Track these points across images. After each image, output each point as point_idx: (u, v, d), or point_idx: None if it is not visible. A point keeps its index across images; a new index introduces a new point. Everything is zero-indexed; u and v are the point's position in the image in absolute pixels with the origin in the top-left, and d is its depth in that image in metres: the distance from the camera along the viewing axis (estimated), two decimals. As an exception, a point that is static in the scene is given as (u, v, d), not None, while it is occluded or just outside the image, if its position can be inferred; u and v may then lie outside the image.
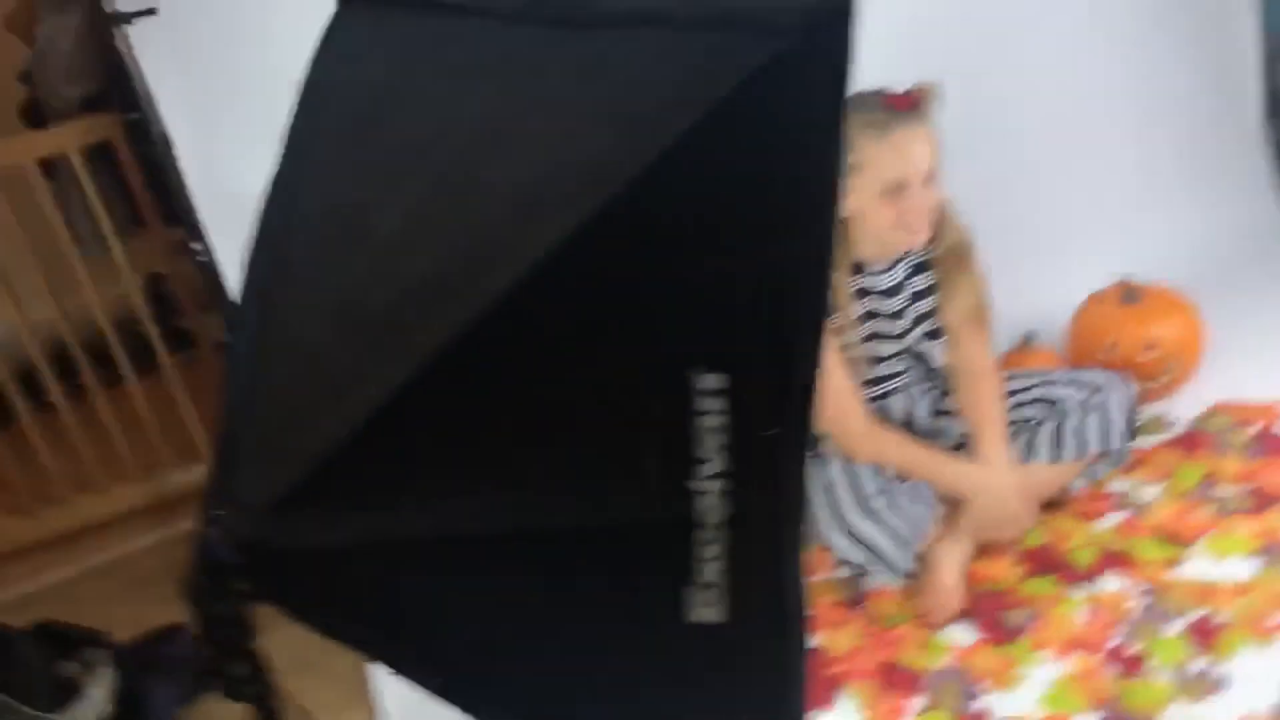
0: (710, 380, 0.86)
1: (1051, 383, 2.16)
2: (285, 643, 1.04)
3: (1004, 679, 1.84)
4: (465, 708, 0.98)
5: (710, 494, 0.89)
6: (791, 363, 0.91)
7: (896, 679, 1.88)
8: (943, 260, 2.07)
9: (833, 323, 1.99)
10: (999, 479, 2.01)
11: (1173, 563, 1.98)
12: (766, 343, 0.91)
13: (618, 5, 0.90)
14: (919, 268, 2.08)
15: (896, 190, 1.87)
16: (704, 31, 0.85)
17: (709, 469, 0.88)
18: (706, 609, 0.93)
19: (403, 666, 0.97)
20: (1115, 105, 2.76)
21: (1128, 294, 2.37)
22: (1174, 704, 1.74)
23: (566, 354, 0.91)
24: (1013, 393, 2.16)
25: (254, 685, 0.97)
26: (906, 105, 1.87)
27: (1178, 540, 2.02)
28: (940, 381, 2.23)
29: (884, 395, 2.14)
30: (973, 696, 1.82)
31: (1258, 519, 2.03)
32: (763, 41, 0.81)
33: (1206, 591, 1.91)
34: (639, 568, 0.95)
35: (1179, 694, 1.75)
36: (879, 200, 1.88)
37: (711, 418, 0.87)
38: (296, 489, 0.86)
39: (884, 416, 2.14)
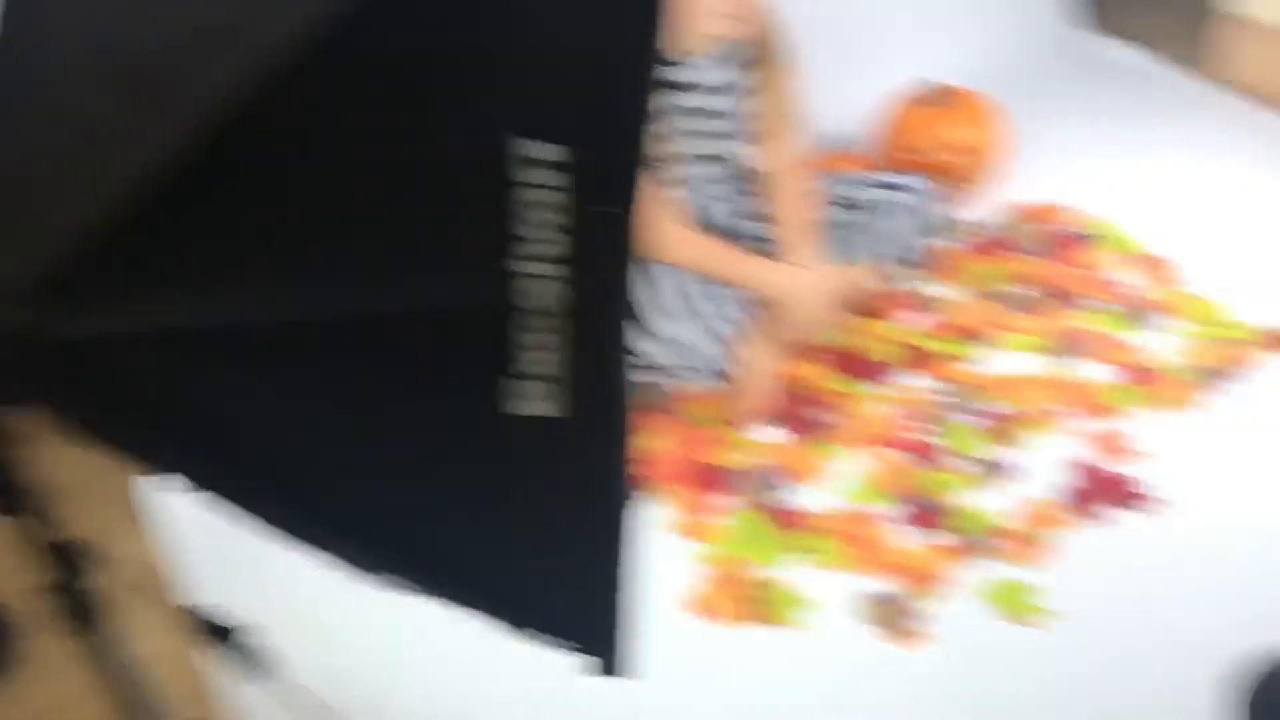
0: (538, 150, 0.76)
1: (860, 184, 2.14)
2: (55, 465, 0.91)
3: (813, 475, 1.87)
4: (265, 517, 0.88)
5: (541, 277, 0.80)
6: (629, 138, 0.82)
7: (709, 478, 1.88)
8: (755, 59, 1.99)
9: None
10: (807, 280, 2.00)
11: (969, 359, 2.04)
12: (598, 111, 0.81)
13: None
14: (730, 62, 1.99)
15: None
16: None
17: (540, 249, 0.79)
18: (542, 402, 0.85)
19: (186, 469, 0.85)
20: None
21: (936, 96, 2.36)
22: (968, 490, 1.82)
23: (373, 114, 0.78)
24: (822, 194, 2.13)
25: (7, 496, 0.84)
26: None
27: (974, 337, 2.08)
28: (748, 183, 2.18)
29: (690, 196, 2.07)
30: (784, 491, 1.85)
31: (1049, 316, 2.11)
32: None
33: (1000, 385, 1.98)
34: (459, 360, 0.86)
35: (973, 481, 1.83)
36: None
37: (542, 192, 0.77)
38: (57, 271, 0.72)
39: (693, 218, 2.08)
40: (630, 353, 0.92)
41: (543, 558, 1.00)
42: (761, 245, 2.10)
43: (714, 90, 1.98)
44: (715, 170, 2.11)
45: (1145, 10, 2.95)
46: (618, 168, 0.85)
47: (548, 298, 0.84)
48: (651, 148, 0.85)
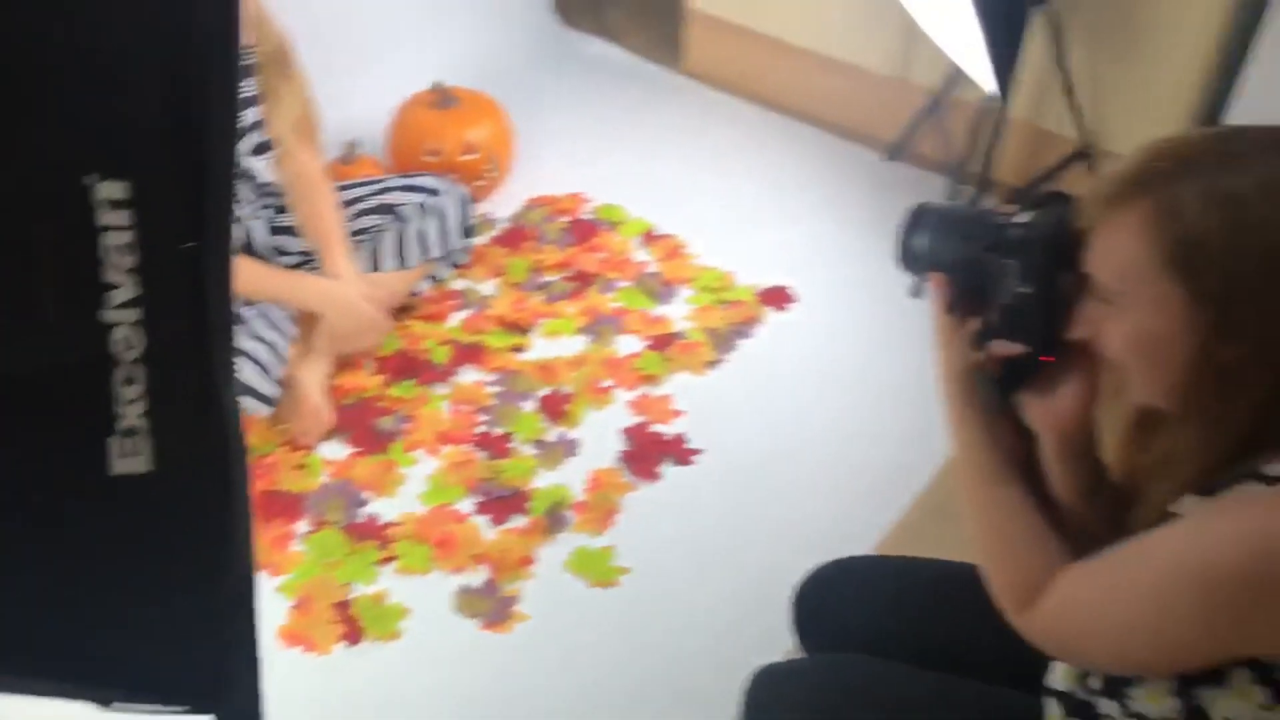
0: (110, 189, 0.71)
1: (387, 189, 2.16)
2: None
3: (385, 484, 1.87)
4: None
5: (124, 325, 0.75)
6: (204, 165, 0.79)
7: (278, 505, 1.82)
8: (264, 67, 1.94)
9: None
10: (348, 290, 1.98)
11: (518, 348, 2.14)
12: (173, 142, 0.77)
13: None
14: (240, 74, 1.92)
15: None
16: None
17: (121, 296, 0.74)
18: (130, 459, 0.79)
19: None
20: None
21: (442, 99, 2.42)
22: (538, 472, 1.91)
23: None
24: (350, 202, 2.13)
25: None
26: None
27: (518, 328, 2.18)
28: (274, 197, 2.12)
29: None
30: (358, 505, 1.84)
31: (580, 299, 2.25)
32: None
33: (548, 369, 2.10)
34: (57, 421, 0.79)
35: (541, 462, 1.93)
36: None
37: (116, 234, 0.72)
38: None
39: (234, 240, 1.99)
40: (230, 396, 0.88)
41: (152, 623, 0.94)
42: (307, 259, 2.06)
43: None
44: (243, 189, 2.04)
45: (622, 9, 3.22)
46: (188, 201, 0.81)
47: (136, 345, 0.79)
48: (229, 179, 0.81)
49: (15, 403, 0.75)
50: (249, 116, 1.96)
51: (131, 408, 0.78)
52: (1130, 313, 0.93)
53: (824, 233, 2.45)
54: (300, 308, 1.99)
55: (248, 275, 1.96)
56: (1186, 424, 0.93)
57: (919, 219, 1.13)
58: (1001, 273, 1.04)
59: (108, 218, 0.72)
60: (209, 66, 0.74)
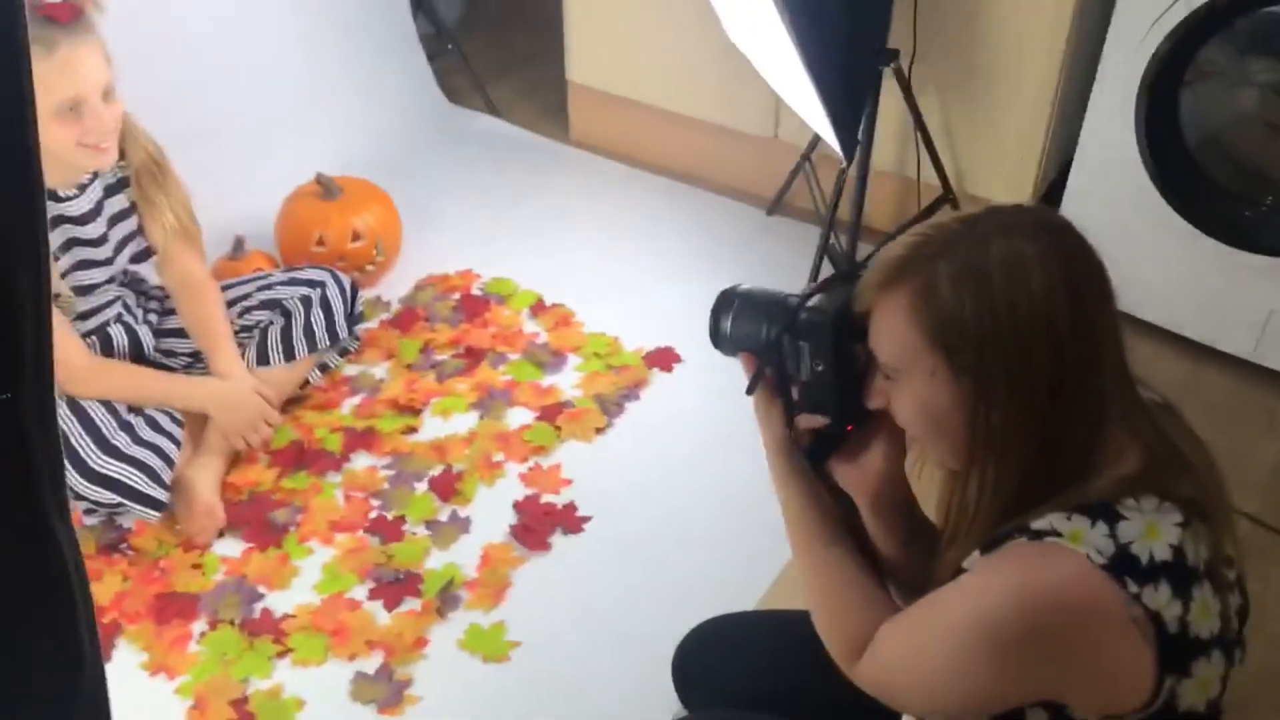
0: None
1: (271, 285, 2.21)
2: None
3: (279, 577, 1.90)
4: None
5: None
6: (13, 315, 0.84)
7: (173, 608, 1.85)
8: (137, 177, 1.99)
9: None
10: (236, 387, 2.03)
11: (410, 430, 2.19)
12: None
13: None
14: (113, 188, 1.97)
15: (73, 109, 1.74)
16: None
17: None
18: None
19: None
20: (282, 17, 2.81)
21: (326, 189, 2.48)
22: (430, 552, 1.95)
23: None
24: (235, 301, 2.17)
25: None
26: (68, 16, 1.73)
27: (410, 409, 2.23)
28: (159, 302, 2.17)
29: (101, 326, 2.02)
30: (254, 601, 1.87)
31: (471, 375, 2.31)
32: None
33: (440, 448, 2.14)
34: None
35: (433, 543, 1.97)
36: (56, 122, 1.73)
37: None
38: None
39: (106, 348, 2.03)
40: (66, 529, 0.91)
41: None
42: (195, 360, 2.11)
43: (101, 218, 1.95)
44: (126, 295, 2.08)
45: (507, 84, 3.31)
46: (6, 348, 0.85)
47: None
48: (47, 311, 0.85)
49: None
50: (127, 227, 2.01)
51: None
52: (909, 386, 1.01)
53: (709, 290, 2.50)
54: (189, 409, 2.03)
55: (134, 381, 2.00)
56: (969, 483, 1.00)
57: (725, 303, 1.20)
58: (798, 353, 1.11)
59: None
60: (15, 228, 0.80)
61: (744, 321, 1.18)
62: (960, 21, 2.36)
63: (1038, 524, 0.94)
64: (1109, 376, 0.97)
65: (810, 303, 1.11)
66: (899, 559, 1.19)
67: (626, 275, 2.61)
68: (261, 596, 1.88)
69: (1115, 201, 2.30)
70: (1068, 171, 2.38)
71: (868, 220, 2.51)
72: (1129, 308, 2.36)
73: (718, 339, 1.20)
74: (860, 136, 2.21)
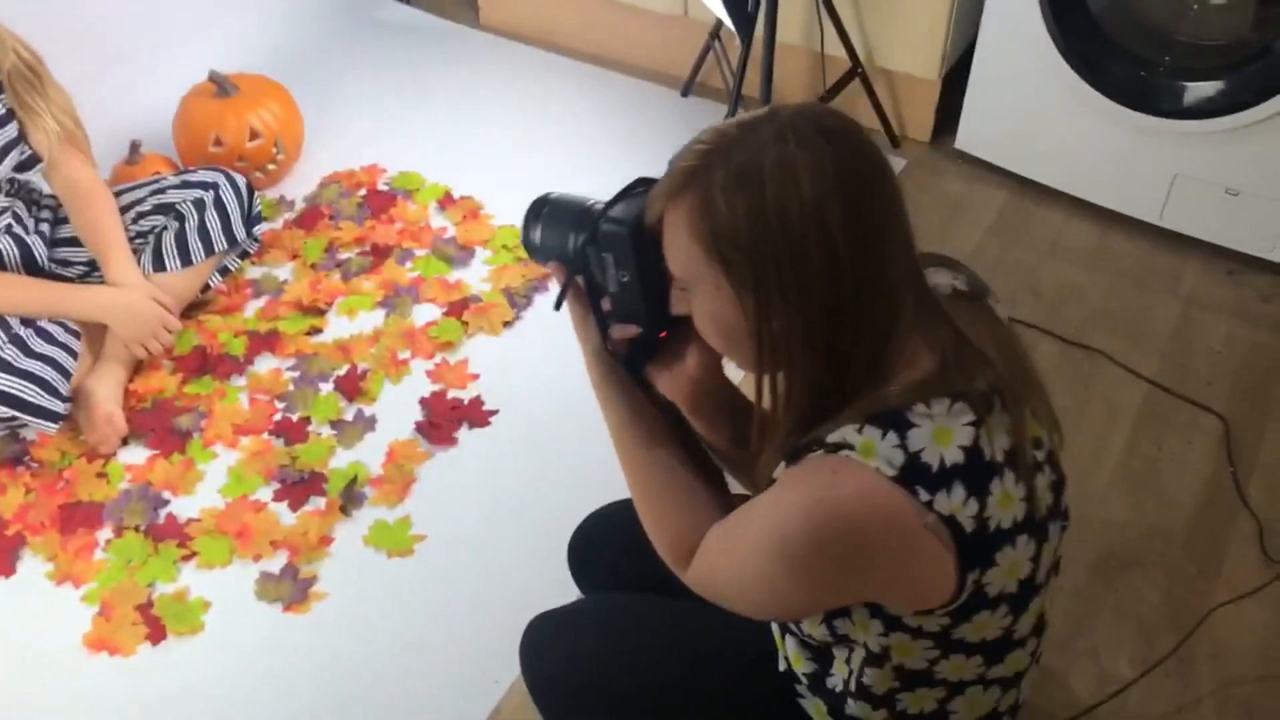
0: None
1: (163, 189, 2.16)
2: None
3: (184, 482, 1.91)
4: None
5: None
6: None
7: (78, 517, 1.85)
8: (11, 83, 1.93)
9: None
10: (131, 295, 2.00)
11: (315, 330, 2.17)
12: None
13: None
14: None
15: None
16: None
17: None
18: None
19: None
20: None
21: (221, 87, 2.41)
22: (336, 452, 1.96)
23: None
24: (128, 207, 2.13)
25: None
26: None
27: (315, 310, 2.21)
28: (52, 211, 2.12)
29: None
30: (159, 506, 1.87)
31: (377, 273, 2.28)
32: None
33: (346, 348, 2.13)
34: None
35: (339, 442, 1.97)
36: None
37: None
38: None
39: (8, 259, 1.99)
40: None
41: None
42: (91, 269, 2.07)
43: None
44: (16, 205, 2.03)
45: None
46: None
47: None
48: None
49: None
50: (5, 134, 1.95)
51: None
52: (699, 298, 0.99)
53: (624, 177, 2.48)
54: (84, 319, 2.00)
55: (23, 294, 1.97)
56: (763, 393, 0.99)
57: (534, 212, 1.17)
58: (603, 264, 1.09)
59: None
60: None
61: (552, 231, 1.14)
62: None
63: (832, 436, 0.94)
64: (896, 283, 0.94)
65: (612, 212, 1.07)
66: (737, 456, 1.19)
67: (539, 164, 2.57)
68: (167, 502, 1.88)
69: (1021, 69, 2.27)
70: (977, 42, 2.34)
71: (779, 96, 2.48)
72: (1038, 176, 2.38)
73: (530, 248, 1.18)
74: (763, 11, 2.16)
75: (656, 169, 1.04)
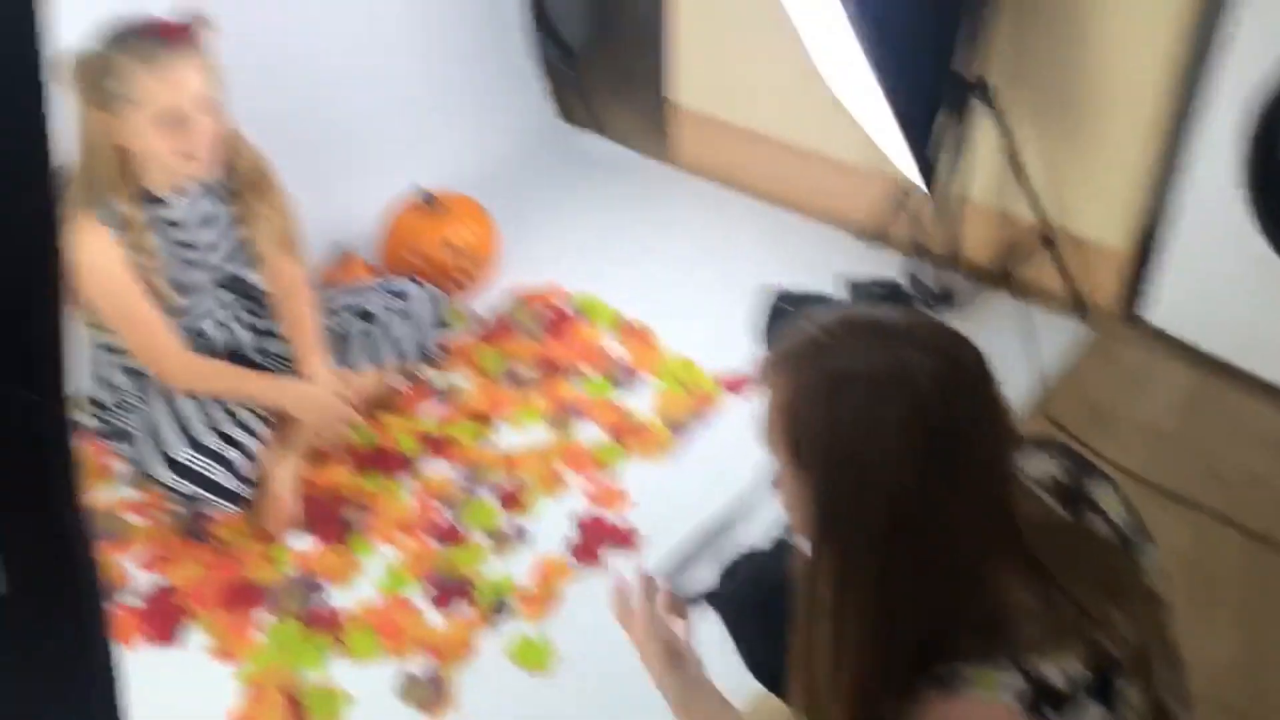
0: None
1: (362, 293, 2.30)
2: None
3: (343, 575, 1.98)
4: None
5: None
6: (22, 318, 0.90)
7: (241, 597, 1.94)
8: (242, 188, 2.10)
9: (136, 257, 1.96)
10: (320, 391, 2.12)
11: (483, 439, 2.25)
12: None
13: None
14: (216, 197, 2.09)
15: (173, 120, 1.86)
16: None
17: None
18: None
19: None
20: (401, 28, 2.93)
21: (427, 202, 2.57)
22: (488, 560, 2.00)
23: None
24: (328, 306, 2.27)
25: None
26: (175, 34, 1.85)
27: (486, 419, 2.29)
28: (260, 304, 2.28)
29: (200, 324, 2.14)
30: (315, 594, 1.95)
31: (548, 389, 2.35)
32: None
33: (511, 459, 2.20)
34: None
35: (492, 551, 2.02)
36: (157, 130, 1.86)
37: None
38: None
39: (206, 346, 2.15)
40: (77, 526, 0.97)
41: None
42: (288, 362, 2.21)
43: (203, 223, 2.06)
44: (226, 296, 2.19)
45: (614, 103, 3.36)
46: (15, 350, 0.92)
47: None
48: (60, 317, 0.92)
49: None
50: (229, 234, 2.13)
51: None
52: (785, 480, 0.98)
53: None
54: (274, 407, 2.13)
55: (224, 377, 2.11)
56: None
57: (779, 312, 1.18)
58: None
59: None
60: (29, 246, 0.87)
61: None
62: (1056, 50, 2.30)
63: (940, 669, 0.87)
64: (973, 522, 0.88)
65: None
66: None
67: (714, 298, 2.62)
68: (324, 591, 1.96)
69: (1215, 242, 2.20)
70: (1169, 212, 2.29)
71: (966, 254, 2.47)
72: (1229, 354, 2.28)
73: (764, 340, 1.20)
74: (948, 168, 2.17)
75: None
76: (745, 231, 2.86)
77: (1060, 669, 0.85)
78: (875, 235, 2.76)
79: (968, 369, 0.90)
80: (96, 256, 1.90)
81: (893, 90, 1.83)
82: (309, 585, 1.96)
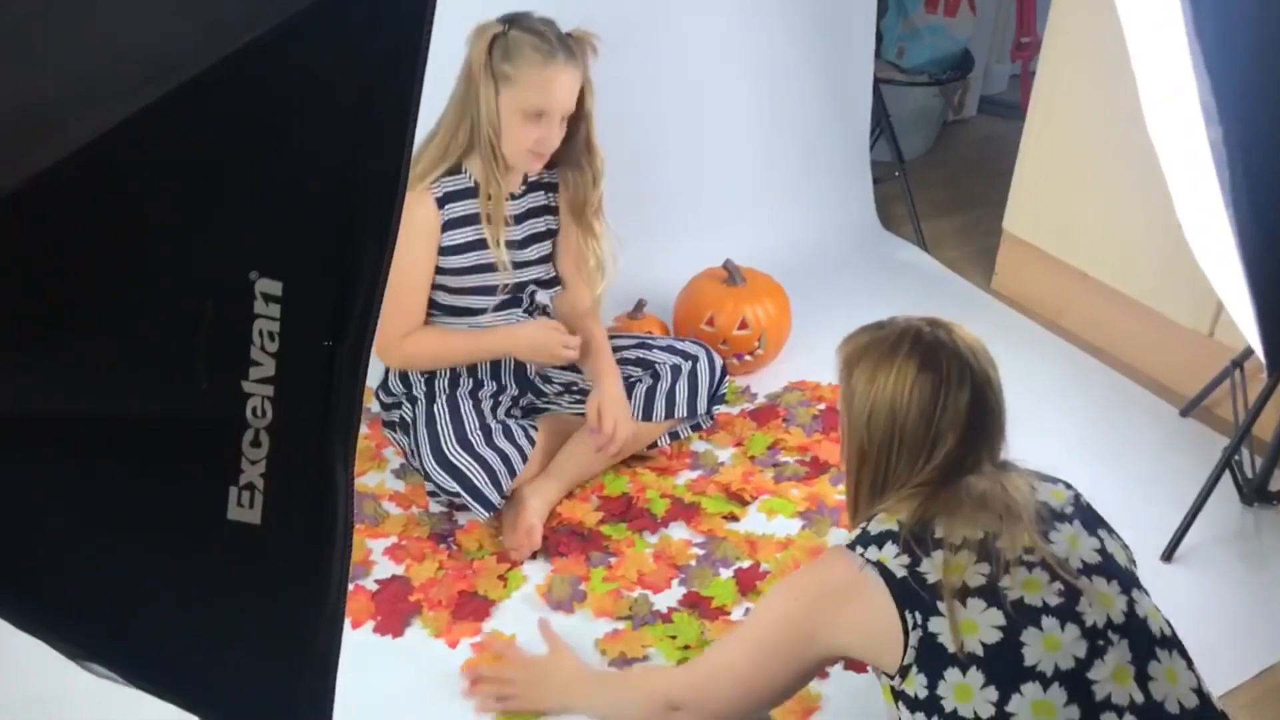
0: (268, 285, 0.88)
1: (650, 347, 2.33)
2: None
3: (572, 606, 1.98)
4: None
5: (258, 397, 0.91)
6: (352, 278, 0.95)
7: (470, 607, 1.97)
8: (568, 211, 2.18)
9: (485, 227, 2.05)
10: (532, 329, 2.16)
11: (732, 517, 2.20)
12: (326, 255, 0.93)
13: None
14: (539, 208, 2.17)
15: (535, 116, 1.96)
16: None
17: (259, 372, 0.90)
18: (245, 510, 0.95)
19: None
20: (749, 107, 2.99)
21: (730, 275, 2.59)
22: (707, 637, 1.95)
23: (119, 241, 0.90)
24: (616, 351, 2.30)
25: None
26: (573, 42, 1.97)
27: (739, 498, 2.25)
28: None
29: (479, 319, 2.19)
30: (541, 616, 1.95)
31: (808, 485, 2.29)
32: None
33: (754, 543, 2.14)
34: (192, 464, 0.96)
35: (717, 631, 1.96)
36: (520, 120, 1.96)
37: (266, 322, 0.89)
38: None
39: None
40: (345, 478, 1.01)
41: (248, 655, 1.07)
42: (567, 388, 2.26)
43: (518, 222, 2.14)
44: (518, 312, 2.25)
45: (944, 221, 3.29)
46: (332, 308, 0.97)
47: (264, 415, 0.95)
48: (382, 283, 0.97)
49: (160, 445, 0.93)
50: (540, 248, 2.20)
51: (254, 467, 0.94)
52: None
53: (1089, 479, 2.34)
54: (494, 355, 2.17)
55: (439, 339, 2.15)
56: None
57: None
58: None
59: (261, 308, 0.89)
60: (371, 207, 0.91)
61: None
62: None
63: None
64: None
65: None
66: None
67: (1011, 435, 2.47)
68: (548, 622, 1.96)
69: None
70: None
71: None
72: None
73: None
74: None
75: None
76: (1052, 373, 2.70)
77: (879, 524, 1.41)
78: (1192, 407, 2.54)
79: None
80: (414, 220, 1.99)
81: (1260, 259, 1.67)
82: (536, 609, 1.97)
